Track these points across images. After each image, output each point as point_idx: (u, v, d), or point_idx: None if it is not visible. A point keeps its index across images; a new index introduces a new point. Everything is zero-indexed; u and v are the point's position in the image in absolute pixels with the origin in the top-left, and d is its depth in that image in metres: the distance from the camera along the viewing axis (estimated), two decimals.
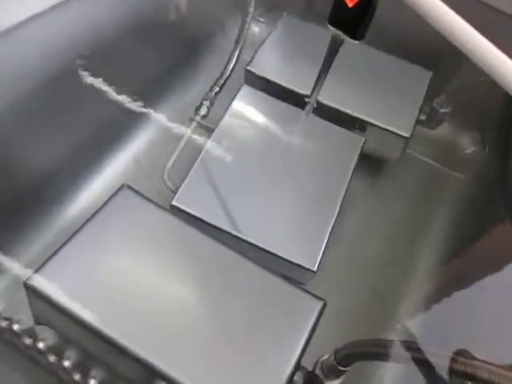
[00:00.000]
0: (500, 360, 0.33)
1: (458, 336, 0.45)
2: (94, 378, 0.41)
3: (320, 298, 0.48)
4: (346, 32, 0.41)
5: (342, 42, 0.43)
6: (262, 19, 0.84)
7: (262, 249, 0.55)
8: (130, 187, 0.52)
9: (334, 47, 0.44)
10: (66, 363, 0.39)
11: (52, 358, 0.39)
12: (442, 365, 0.35)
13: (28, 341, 0.39)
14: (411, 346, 0.39)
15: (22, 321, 0.42)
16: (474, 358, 0.32)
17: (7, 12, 0.50)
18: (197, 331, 0.44)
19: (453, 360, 0.33)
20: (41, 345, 0.39)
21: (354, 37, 0.41)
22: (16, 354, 0.40)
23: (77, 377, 0.39)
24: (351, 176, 0.62)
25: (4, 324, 0.40)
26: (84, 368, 0.41)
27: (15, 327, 0.40)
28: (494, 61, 0.36)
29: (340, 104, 0.66)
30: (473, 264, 0.57)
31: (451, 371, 0.33)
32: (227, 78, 0.73)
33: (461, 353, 0.33)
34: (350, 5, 0.38)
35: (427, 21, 0.38)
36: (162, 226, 0.51)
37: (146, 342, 0.42)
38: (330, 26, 0.42)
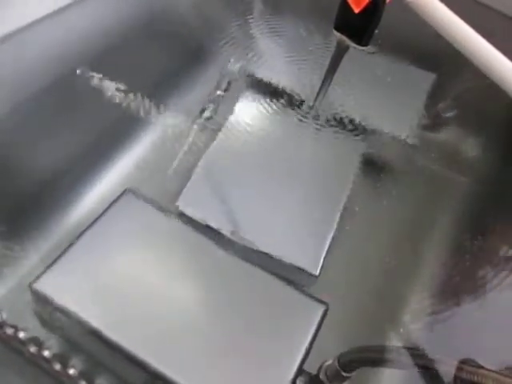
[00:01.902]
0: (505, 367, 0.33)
1: (462, 342, 0.45)
2: None
3: (322, 302, 0.48)
4: (351, 38, 0.41)
5: (347, 47, 0.43)
6: (266, 24, 0.84)
7: (263, 252, 0.55)
8: (133, 191, 0.52)
9: (340, 53, 0.44)
10: (72, 371, 0.39)
11: (57, 366, 0.39)
12: (446, 372, 0.35)
13: (33, 349, 0.39)
14: (415, 353, 0.39)
15: (28, 328, 0.42)
16: (481, 367, 0.32)
17: (11, 15, 0.50)
18: (199, 335, 0.44)
19: (459, 368, 0.33)
20: (46, 353, 0.39)
21: (359, 43, 0.41)
22: (22, 361, 0.40)
23: None
24: (353, 180, 0.62)
25: (10, 331, 0.40)
26: (90, 376, 0.41)
27: (21, 335, 0.40)
28: (495, 63, 0.36)
29: (342, 108, 0.66)
30: (477, 268, 0.57)
31: (457, 380, 0.33)
32: (230, 80, 0.73)
33: (467, 361, 0.33)
34: (357, 10, 0.38)
35: (430, 24, 0.38)
36: (166, 229, 0.51)
37: (150, 347, 0.42)
38: (335, 32, 0.42)
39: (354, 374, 0.45)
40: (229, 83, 0.74)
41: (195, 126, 0.68)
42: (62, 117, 0.58)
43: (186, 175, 0.60)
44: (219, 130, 0.64)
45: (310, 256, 0.55)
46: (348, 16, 0.39)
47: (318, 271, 0.54)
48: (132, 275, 0.46)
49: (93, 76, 0.58)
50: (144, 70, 0.67)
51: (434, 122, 0.72)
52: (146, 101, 0.64)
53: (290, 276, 0.54)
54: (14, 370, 0.39)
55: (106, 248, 0.48)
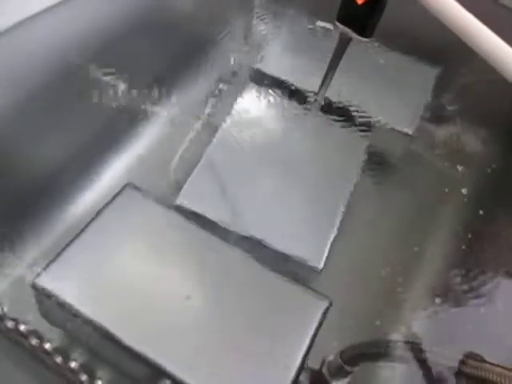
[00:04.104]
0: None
1: (465, 337, 0.45)
2: (100, 378, 0.41)
3: (325, 297, 0.48)
4: (354, 30, 0.41)
5: (350, 39, 0.42)
6: (268, 16, 0.83)
7: (266, 246, 0.55)
8: (134, 186, 0.52)
9: (342, 45, 0.44)
10: (73, 364, 0.39)
11: (59, 359, 0.39)
12: (450, 367, 0.35)
13: (35, 341, 0.39)
14: (418, 347, 0.39)
15: (29, 321, 0.42)
16: (485, 361, 0.32)
17: (10, 9, 0.49)
18: (201, 330, 0.44)
19: (463, 363, 0.33)
20: (47, 346, 0.39)
21: (362, 34, 0.40)
22: (24, 354, 0.40)
23: (84, 377, 0.39)
24: (357, 174, 0.61)
25: (10, 324, 0.40)
26: (91, 369, 0.41)
27: (22, 328, 0.40)
28: (503, 55, 0.35)
29: (346, 102, 0.66)
30: (481, 263, 0.57)
31: (461, 374, 0.33)
32: (233, 75, 0.73)
33: (471, 355, 0.33)
34: (360, 2, 0.38)
35: (437, 17, 0.38)
36: (167, 224, 0.51)
37: (150, 341, 0.42)
38: (338, 24, 0.41)
39: (356, 368, 0.44)
40: (231, 76, 0.74)
41: (197, 120, 0.68)
42: (64, 111, 0.58)
43: (187, 169, 0.59)
44: (221, 123, 0.63)
45: (313, 250, 0.55)
46: (351, 8, 0.39)
47: (321, 265, 0.54)
48: (133, 270, 0.46)
49: (94, 69, 0.58)
50: (146, 64, 0.67)
51: (438, 115, 0.71)
52: (148, 95, 0.64)
53: (293, 270, 0.54)
54: (16, 363, 0.39)
55: (108, 243, 0.48)
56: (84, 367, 0.41)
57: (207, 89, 0.72)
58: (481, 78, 0.56)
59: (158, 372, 0.41)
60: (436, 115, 0.71)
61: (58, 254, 0.45)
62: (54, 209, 0.60)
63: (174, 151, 0.65)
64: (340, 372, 0.45)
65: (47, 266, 0.44)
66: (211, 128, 0.65)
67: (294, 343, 0.44)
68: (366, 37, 0.41)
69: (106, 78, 0.59)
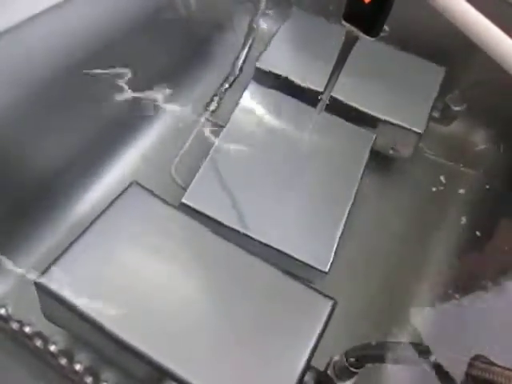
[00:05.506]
0: None
1: (472, 340, 0.44)
2: (105, 381, 0.41)
3: (330, 298, 0.48)
4: (360, 28, 0.40)
5: (356, 38, 0.42)
6: (271, 13, 0.83)
7: (272, 247, 0.54)
8: (139, 184, 0.52)
9: (349, 44, 0.43)
10: (78, 366, 0.39)
11: (63, 362, 0.39)
12: (457, 369, 0.34)
13: (39, 343, 0.39)
14: (424, 349, 0.38)
15: (34, 323, 0.41)
16: (493, 364, 0.32)
17: (12, 9, 0.49)
18: (206, 330, 0.44)
19: (470, 365, 0.32)
20: (52, 347, 0.39)
21: (369, 33, 0.40)
22: (29, 355, 0.39)
23: (89, 380, 0.39)
24: (362, 173, 0.61)
25: (15, 326, 0.40)
26: (96, 371, 0.41)
27: (26, 329, 0.40)
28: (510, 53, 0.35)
29: (352, 100, 0.65)
30: (486, 264, 0.57)
31: (469, 377, 0.32)
32: (237, 73, 0.73)
33: (479, 358, 0.32)
34: (366, 0, 0.38)
35: (442, 13, 0.37)
36: (172, 223, 0.51)
37: (156, 342, 0.42)
38: (344, 22, 0.41)
39: (361, 370, 0.44)
40: (235, 75, 0.73)
41: (201, 119, 0.67)
42: (67, 110, 0.58)
43: (192, 168, 0.59)
44: (225, 122, 0.63)
45: (319, 252, 0.55)
46: (357, 6, 0.39)
47: (328, 268, 0.54)
48: (138, 269, 0.46)
49: (97, 68, 0.58)
50: (149, 63, 0.67)
51: (444, 115, 0.71)
52: (152, 94, 0.63)
53: (299, 271, 0.54)
54: (20, 365, 0.38)
55: (112, 242, 0.47)
56: (89, 369, 0.40)
57: (212, 87, 0.72)
58: (488, 76, 0.56)
59: (163, 373, 0.41)
60: (443, 114, 0.71)
61: (62, 254, 0.45)
62: (57, 208, 0.60)
63: (178, 150, 0.65)
64: (345, 373, 0.45)
65: (51, 264, 0.44)
66: (215, 127, 0.65)
67: (300, 343, 0.44)
68: (373, 36, 0.40)
69: (109, 77, 0.58)
